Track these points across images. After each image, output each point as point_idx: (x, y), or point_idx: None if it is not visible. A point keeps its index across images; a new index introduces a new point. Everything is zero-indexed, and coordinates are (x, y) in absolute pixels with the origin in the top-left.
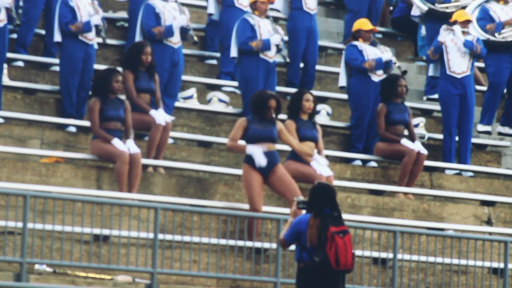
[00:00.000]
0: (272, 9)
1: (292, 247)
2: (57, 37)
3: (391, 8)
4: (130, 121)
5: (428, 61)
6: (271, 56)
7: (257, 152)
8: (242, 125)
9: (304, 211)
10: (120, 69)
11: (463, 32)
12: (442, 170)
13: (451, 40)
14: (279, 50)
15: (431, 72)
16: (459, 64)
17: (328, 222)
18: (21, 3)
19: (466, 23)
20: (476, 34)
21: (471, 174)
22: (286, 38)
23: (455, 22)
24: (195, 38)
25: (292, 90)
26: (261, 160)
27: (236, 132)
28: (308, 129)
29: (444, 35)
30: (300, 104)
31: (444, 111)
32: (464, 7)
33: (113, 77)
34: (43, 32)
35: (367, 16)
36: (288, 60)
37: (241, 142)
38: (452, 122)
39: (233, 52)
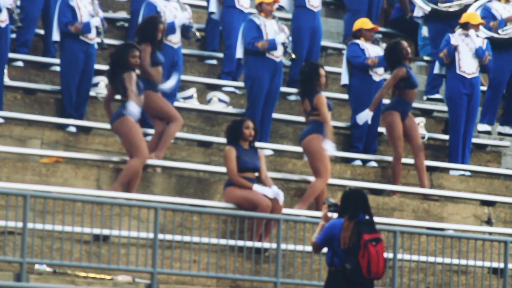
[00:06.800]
0: (277, 8)
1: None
2: (56, 36)
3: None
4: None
5: (441, 64)
6: (278, 55)
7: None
8: (234, 155)
9: (335, 215)
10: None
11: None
12: (442, 170)
13: (463, 40)
14: (286, 50)
15: (436, 70)
16: (469, 65)
17: (362, 229)
18: (18, 3)
19: (478, 26)
20: (481, 34)
21: (468, 173)
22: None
23: (466, 24)
24: (198, 35)
25: (294, 90)
26: (270, 193)
27: (233, 163)
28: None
29: (458, 39)
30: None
31: (452, 111)
32: (466, 6)
33: (130, 52)
34: (42, 32)
35: (367, 16)
36: (294, 56)
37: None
38: (460, 122)
39: (239, 53)
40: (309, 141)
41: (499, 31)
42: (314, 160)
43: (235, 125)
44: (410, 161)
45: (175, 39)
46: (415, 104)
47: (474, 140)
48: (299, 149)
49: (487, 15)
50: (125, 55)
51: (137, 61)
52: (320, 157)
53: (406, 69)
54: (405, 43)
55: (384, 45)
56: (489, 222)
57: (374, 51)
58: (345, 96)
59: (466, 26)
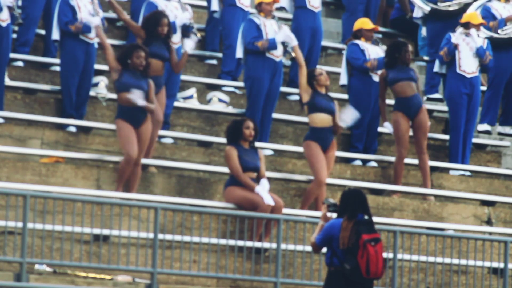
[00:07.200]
0: (277, 9)
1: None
2: (55, 35)
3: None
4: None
5: (441, 62)
6: (278, 55)
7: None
8: (235, 154)
9: (334, 215)
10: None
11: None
12: (442, 170)
13: (464, 39)
14: (285, 49)
15: (436, 68)
16: (469, 64)
17: (361, 229)
18: (20, 3)
19: (479, 26)
20: (481, 34)
21: (468, 173)
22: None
23: (467, 24)
24: (198, 35)
25: (294, 90)
26: (270, 200)
27: (236, 163)
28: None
29: (459, 37)
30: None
31: (453, 110)
32: (466, 5)
33: (135, 52)
34: (43, 32)
35: (364, 16)
36: (294, 55)
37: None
38: (461, 122)
39: (239, 53)
40: (305, 146)
41: (499, 31)
42: (310, 165)
43: (235, 125)
44: (411, 161)
45: (175, 39)
46: None
47: (474, 140)
48: (299, 149)
49: (487, 15)
50: (130, 56)
51: (142, 62)
52: (311, 162)
53: (384, 69)
54: (410, 48)
55: (384, 46)
56: (489, 222)
57: (374, 51)
58: (345, 96)
59: (467, 26)
